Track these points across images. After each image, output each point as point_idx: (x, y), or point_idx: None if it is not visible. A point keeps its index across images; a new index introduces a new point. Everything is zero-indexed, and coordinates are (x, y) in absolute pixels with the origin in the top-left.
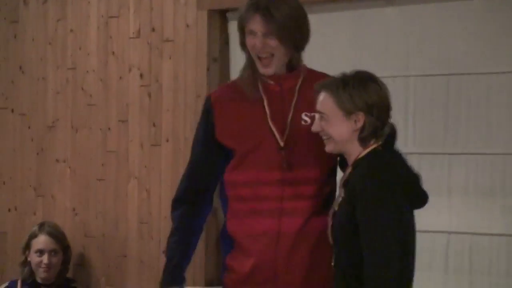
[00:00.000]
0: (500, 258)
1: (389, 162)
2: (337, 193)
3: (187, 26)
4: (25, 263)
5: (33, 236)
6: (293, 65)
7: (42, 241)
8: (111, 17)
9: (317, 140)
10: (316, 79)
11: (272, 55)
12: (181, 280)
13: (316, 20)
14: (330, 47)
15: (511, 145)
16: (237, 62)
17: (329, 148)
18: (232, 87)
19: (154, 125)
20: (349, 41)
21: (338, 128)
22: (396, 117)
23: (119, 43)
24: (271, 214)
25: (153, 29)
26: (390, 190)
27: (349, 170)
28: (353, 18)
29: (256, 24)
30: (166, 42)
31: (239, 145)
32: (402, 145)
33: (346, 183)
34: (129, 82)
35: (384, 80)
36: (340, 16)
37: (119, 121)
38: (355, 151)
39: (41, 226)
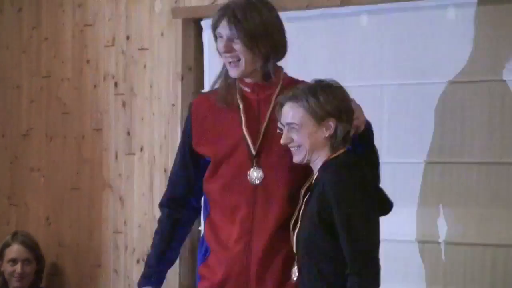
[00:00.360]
0: (474, 268)
1: (357, 166)
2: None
3: (162, 34)
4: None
5: (6, 245)
6: (270, 73)
7: (15, 250)
8: (86, 25)
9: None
10: (293, 84)
11: (239, 59)
12: (156, 282)
13: (292, 29)
14: (306, 56)
15: (485, 154)
16: (212, 71)
17: (298, 158)
18: (213, 95)
19: (128, 133)
20: (324, 50)
21: (309, 136)
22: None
23: (94, 51)
24: (243, 223)
25: (128, 38)
26: (362, 186)
27: (314, 176)
28: (329, 27)
29: (222, 29)
30: (141, 51)
31: (213, 152)
32: None
33: (309, 186)
34: (104, 90)
35: (359, 89)
36: (316, 25)
37: (93, 129)
38: (322, 157)
39: (14, 235)
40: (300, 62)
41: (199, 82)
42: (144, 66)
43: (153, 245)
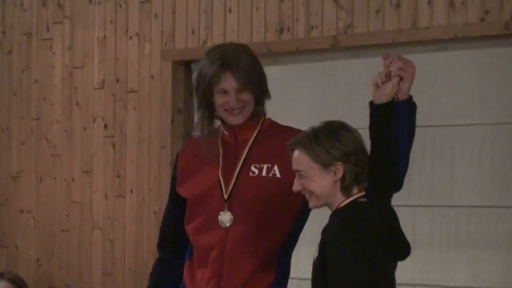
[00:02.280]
0: None
1: (364, 216)
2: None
3: (152, 77)
4: None
5: None
6: (254, 114)
7: (2, 287)
8: (76, 67)
9: (265, 191)
10: (277, 131)
11: (243, 107)
12: None
13: (283, 71)
14: (296, 97)
15: (474, 198)
16: None
17: (312, 204)
18: (209, 138)
19: (118, 176)
20: (315, 92)
21: (318, 182)
22: None
23: (84, 93)
24: (213, 264)
25: (118, 80)
26: (356, 249)
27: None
28: (319, 69)
29: (228, 83)
30: (131, 93)
31: (190, 194)
32: None
33: (323, 234)
34: (94, 132)
35: None
36: (306, 67)
37: (83, 172)
38: (338, 201)
39: (1, 275)
40: (291, 104)
41: (189, 124)
42: (134, 109)
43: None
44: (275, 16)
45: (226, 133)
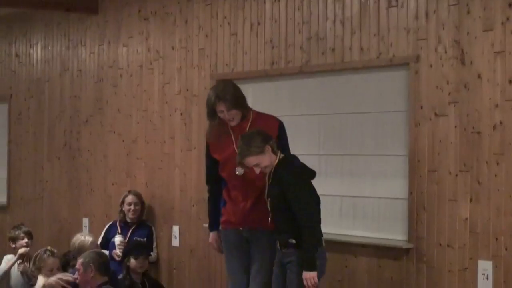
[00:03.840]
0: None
1: (291, 159)
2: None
3: (205, 88)
4: (121, 211)
5: (125, 196)
6: (245, 115)
7: (130, 199)
8: (166, 83)
9: None
10: (261, 118)
11: (233, 118)
12: (216, 227)
13: (259, 88)
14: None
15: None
16: None
17: (268, 170)
18: (216, 129)
19: (188, 139)
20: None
21: (266, 161)
22: None
23: (170, 97)
24: (242, 191)
25: (187, 89)
26: (299, 174)
27: (272, 169)
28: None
29: (221, 107)
30: (194, 96)
31: (220, 158)
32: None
33: (269, 176)
34: (175, 117)
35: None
36: (282, 84)
37: (170, 138)
38: (273, 161)
39: (129, 191)
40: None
41: None
42: (196, 105)
43: (208, 207)
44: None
45: (234, 125)
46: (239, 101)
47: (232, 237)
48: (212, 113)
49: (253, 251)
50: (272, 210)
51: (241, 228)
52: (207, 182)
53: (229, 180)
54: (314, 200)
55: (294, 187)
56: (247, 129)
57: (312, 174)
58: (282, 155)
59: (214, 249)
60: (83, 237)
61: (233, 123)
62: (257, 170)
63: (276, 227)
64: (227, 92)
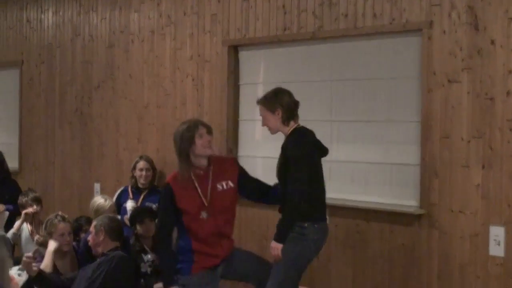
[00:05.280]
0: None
1: (303, 132)
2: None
3: (217, 53)
4: (133, 177)
5: (136, 162)
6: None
7: (142, 164)
8: (178, 49)
9: (227, 197)
10: (219, 161)
11: (211, 145)
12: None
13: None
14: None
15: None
16: (244, 72)
17: (271, 132)
18: (181, 178)
19: (199, 105)
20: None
21: (271, 122)
22: None
23: (182, 62)
24: (215, 235)
25: (199, 55)
26: (303, 146)
27: (285, 140)
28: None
29: (202, 131)
30: (206, 62)
31: (189, 208)
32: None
33: (282, 147)
34: (187, 83)
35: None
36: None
37: (182, 104)
38: (285, 130)
39: (141, 156)
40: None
41: (236, 78)
42: (208, 70)
43: (166, 261)
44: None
45: (198, 170)
46: (212, 132)
47: (206, 278)
48: (188, 146)
49: (237, 260)
50: (278, 180)
51: (218, 265)
52: (165, 239)
53: (200, 230)
54: (310, 178)
55: (293, 160)
56: (210, 176)
57: (323, 151)
58: (296, 126)
59: None
60: (103, 200)
61: (208, 151)
62: (262, 123)
63: (281, 198)
64: (204, 121)
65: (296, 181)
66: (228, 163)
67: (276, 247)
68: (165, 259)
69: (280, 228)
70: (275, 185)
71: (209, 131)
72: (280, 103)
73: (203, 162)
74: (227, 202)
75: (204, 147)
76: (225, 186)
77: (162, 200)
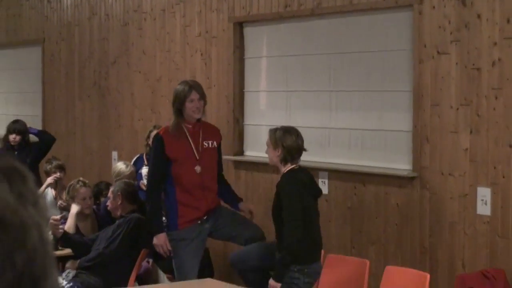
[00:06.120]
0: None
1: (297, 175)
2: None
3: (223, 30)
4: (147, 145)
5: (150, 131)
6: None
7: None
8: (187, 26)
9: (213, 154)
10: (208, 125)
11: (200, 109)
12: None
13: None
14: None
15: None
16: (249, 46)
17: (269, 162)
18: (172, 129)
19: (208, 78)
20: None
21: (272, 155)
22: None
23: (191, 38)
24: (200, 188)
25: (207, 32)
26: (295, 190)
27: (279, 179)
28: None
29: (194, 96)
30: (213, 38)
31: (178, 156)
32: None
33: (277, 186)
34: (196, 57)
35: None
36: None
37: (191, 76)
38: (281, 168)
39: (154, 126)
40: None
41: (241, 53)
42: (215, 45)
43: (155, 210)
44: None
45: (190, 126)
46: (205, 98)
47: (193, 233)
48: (180, 106)
49: (223, 220)
50: (273, 221)
51: (204, 219)
52: (155, 188)
53: (187, 180)
54: (303, 217)
55: (287, 199)
56: (200, 133)
57: (317, 192)
58: (292, 167)
59: (164, 252)
60: (124, 166)
61: (197, 115)
62: (266, 150)
63: (276, 238)
64: (199, 85)
65: (291, 220)
66: (215, 130)
67: (275, 286)
68: (154, 207)
69: (278, 267)
70: (223, 180)
71: (202, 97)
72: (282, 143)
73: (193, 119)
74: (214, 159)
75: (193, 111)
76: (210, 145)
77: (153, 150)
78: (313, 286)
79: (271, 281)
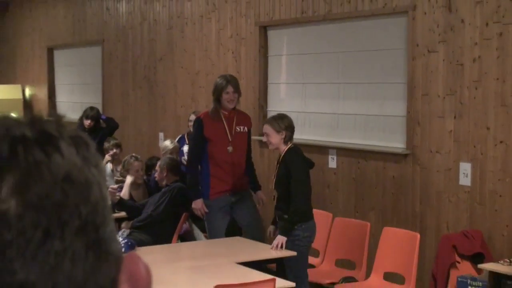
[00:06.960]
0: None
1: (298, 151)
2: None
3: (251, 33)
4: (188, 126)
5: (190, 116)
6: (236, 105)
7: (194, 117)
8: (221, 29)
9: (244, 138)
10: (242, 113)
11: (234, 100)
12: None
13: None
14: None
15: None
16: (271, 46)
17: (270, 147)
18: (211, 114)
19: (237, 72)
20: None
21: (275, 140)
22: None
23: (224, 40)
24: (230, 165)
25: (237, 34)
26: (302, 161)
27: (281, 156)
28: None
29: (230, 89)
30: (242, 39)
31: (213, 137)
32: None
33: (279, 161)
34: (228, 56)
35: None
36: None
37: (224, 71)
38: (282, 147)
39: (194, 112)
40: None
41: (265, 51)
42: (245, 46)
43: (195, 181)
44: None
45: (226, 113)
46: (240, 91)
47: (221, 203)
48: (218, 96)
49: (241, 207)
50: (276, 187)
51: (229, 194)
52: (194, 162)
53: (220, 157)
54: (306, 184)
55: (297, 171)
56: (234, 119)
57: (311, 164)
58: (291, 146)
59: (201, 214)
60: (169, 142)
61: (231, 105)
62: (264, 139)
63: (277, 202)
64: (235, 79)
65: (300, 186)
66: (247, 117)
67: (281, 240)
68: (193, 178)
69: (286, 225)
70: (250, 167)
71: (236, 90)
72: (285, 126)
73: (228, 108)
74: (244, 142)
75: (228, 102)
76: (242, 130)
77: (194, 130)
78: (312, 239)
79: (279, 236)
